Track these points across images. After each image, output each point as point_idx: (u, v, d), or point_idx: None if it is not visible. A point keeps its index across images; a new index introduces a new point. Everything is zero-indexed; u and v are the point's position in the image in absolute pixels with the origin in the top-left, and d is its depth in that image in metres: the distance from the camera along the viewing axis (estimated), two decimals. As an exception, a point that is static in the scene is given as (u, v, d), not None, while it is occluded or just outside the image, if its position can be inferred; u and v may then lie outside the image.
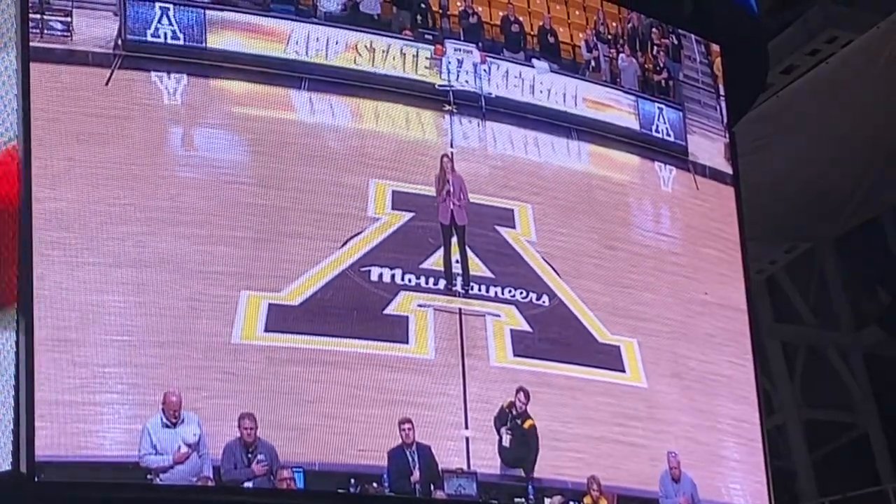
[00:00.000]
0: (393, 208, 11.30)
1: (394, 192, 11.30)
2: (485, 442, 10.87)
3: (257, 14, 11.23)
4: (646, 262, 12.37)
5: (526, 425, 11.02)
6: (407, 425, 10.50)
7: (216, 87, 10.94)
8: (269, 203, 10.73)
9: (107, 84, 10.47)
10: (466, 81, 11.93)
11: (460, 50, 11.97)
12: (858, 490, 18.63)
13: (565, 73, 12.51)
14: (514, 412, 11.00)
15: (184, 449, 9.80)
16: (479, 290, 11.38)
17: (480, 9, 12.29)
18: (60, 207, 9.92)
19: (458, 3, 12.18)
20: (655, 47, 13.22)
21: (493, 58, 12.15)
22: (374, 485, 10.36)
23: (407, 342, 10.91)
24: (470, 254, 11.43)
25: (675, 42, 13.43)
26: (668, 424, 11.85)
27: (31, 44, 10.19)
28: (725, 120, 13.62)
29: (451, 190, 11.45)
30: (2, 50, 10.08)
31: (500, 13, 12.41)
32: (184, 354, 10.06)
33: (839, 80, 16.53)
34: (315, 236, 10.85)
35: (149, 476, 9.70)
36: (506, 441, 10.91)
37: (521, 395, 11.05)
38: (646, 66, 13.11)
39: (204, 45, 10.92)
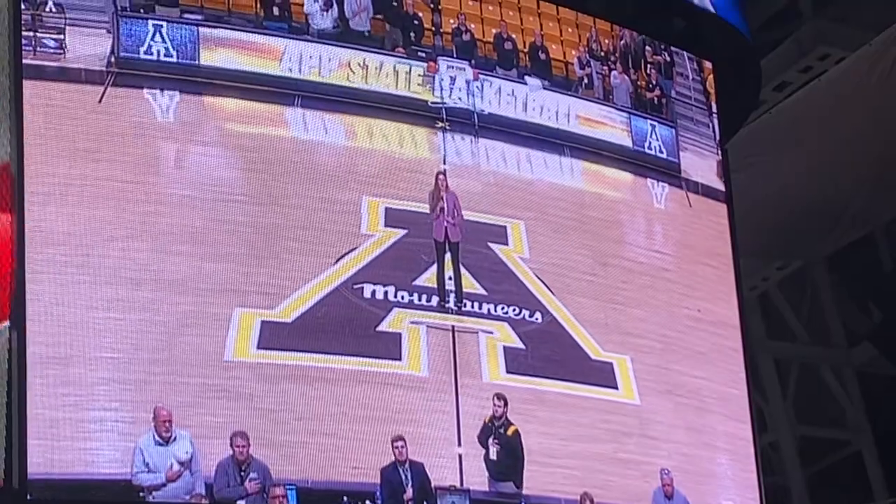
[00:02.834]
0: (386, 225, 11.30)
1: (387, 208, 11.30)
2: (477, 459, 10.84)
3: (251, 31, 11.23)
4: (638, 279, 12.37)
5: (509, 432, 10.99)
6: (400, 443, 10.49)
7: (209, 104, 10.93)
8: (262, 220, 10.72)
9: (100, 101, 10.45)
10: (459, 98, 11.94)
11: (453, 67, 11.98)
12: (852, 507, 18.65)
13: (558, 90, 12.51)
14: (496, 422, 10.98)
15: (176, 467, 9.77)
16: (472, 307, 11.38)
17: (473, 26, 12.30)
18: (52, 225, 9.91)
19: (451, 21, 12.20)
20: (648, 65, 13.23)
21: (486, 75, 12.16)
22: (367, 502, 10.33)
23: (400, 359, 10.90)
24: (463, 271, 11.43)
25: (668, 59, 13.45)
26: (661, 441, 11.84)
27: (24, 61, 10.18)
28: (718, 137, 13.64)
29: (445, 207, 11.45)
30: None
31: (493, 30, 12.42)
32: (176, 372, 10.04)
33: (832, 97, 16.55)
34: (308, 253, 10.84)
35: (141, 494, 9.67)
36: (493, 453, 10.89)
37: (496, 399, 11.01)
38: (638, 83, 13.13)
39: (197, 62, 10.92)
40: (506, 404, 11.03)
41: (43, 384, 9.56)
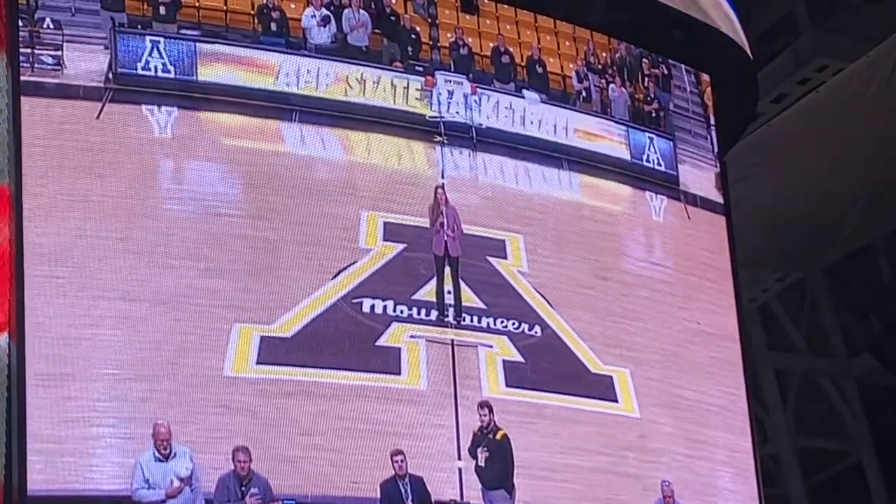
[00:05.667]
0: (385, 239, 11.29)
1: (385, 223, 11.30)
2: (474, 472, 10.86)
3: (248, 46, 11.25)
4: (637, 292, 12.36)
5: (498, 436, 10.92)
6: (399, 457, 10.47)
7: (207, 119, 10.95)
8: (261, 235, 10.72)
9: (97, 117, 10.47)
10: (457, 112, 11.94)
11: (451, 81, 11.99)
12: (853, 518, 18.65)
13: (556, 103, 12.52)
14: (484, 431, 10.95)
15: (176, 483, 9.76)
16: (472, 320, 11.36)
17: (471, 40, 12.31)
18: (51, 241, 9.91)
19: (449, 35, 12.21)
20: (646, 77, 13.25)
21: (484, 89, 12.16)
22: (368, 516, 10.35)
23: (399, 373, 10.88)
24: (462, 285, 11.42)
25: (666, 72, 13.45)
26: (661, 454, 11.83)
27: (22, 78, 10.20)
28: (716, 149, 13.65)
29: (445, 221, 11.44)
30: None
31: (491, 44, 12.43)
32: (176, 388, 10.03)
33: (829, 109, 16.56)
34: (307, 268, 10.84)
35: (141, 510, 9.70)
36: (481, 460, 10.83)
37: (481, 408, 10.95)
38: (636, 96, 13.14)
39: (195, 77, 10.93)
40: (491, 411, 10.97)
41: (42, 400, 9.56)
